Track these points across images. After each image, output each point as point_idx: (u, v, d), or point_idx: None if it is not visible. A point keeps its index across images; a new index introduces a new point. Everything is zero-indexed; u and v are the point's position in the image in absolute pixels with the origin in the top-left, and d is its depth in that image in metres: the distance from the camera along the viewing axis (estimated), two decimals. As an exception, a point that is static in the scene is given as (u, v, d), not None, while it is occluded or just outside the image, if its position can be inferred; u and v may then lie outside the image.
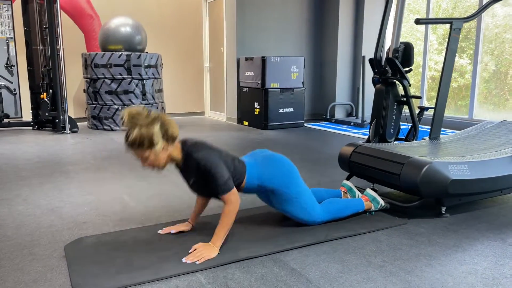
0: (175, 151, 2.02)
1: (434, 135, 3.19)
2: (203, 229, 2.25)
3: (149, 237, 2.15)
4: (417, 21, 3.14)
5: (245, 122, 6.58)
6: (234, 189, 2.00)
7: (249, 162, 2.20)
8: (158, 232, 2.21)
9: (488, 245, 2.08)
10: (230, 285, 1.70)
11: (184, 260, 1.88)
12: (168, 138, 1.96)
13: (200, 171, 1.99)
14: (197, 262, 1.86)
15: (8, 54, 5.80)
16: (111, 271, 1.79)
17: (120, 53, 5.79)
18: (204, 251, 1.93)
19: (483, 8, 3.23)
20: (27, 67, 5.84)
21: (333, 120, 6.85)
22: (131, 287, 1.68)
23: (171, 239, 2.13)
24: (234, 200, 1.98)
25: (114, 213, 2.56)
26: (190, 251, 1.96)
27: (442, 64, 3.17)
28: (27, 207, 2.66)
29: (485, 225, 2.35)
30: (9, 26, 5.79)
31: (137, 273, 1.77)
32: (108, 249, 2.01)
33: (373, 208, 2.47)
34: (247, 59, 6.34)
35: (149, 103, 6.06)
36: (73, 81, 6.81)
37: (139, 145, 1.90)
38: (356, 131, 5.93)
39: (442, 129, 5.47)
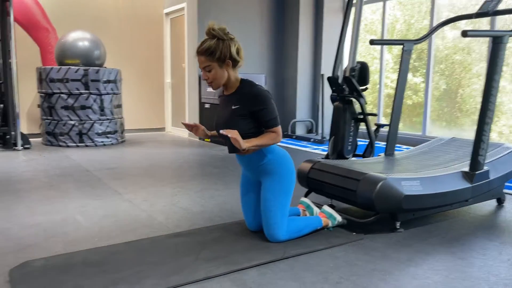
0: (235, 76, 2.23)
1: (389, 152, 3.29)
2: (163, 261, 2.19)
3: (101, 259, 2.06)
4: (372, 42, 3.26)
5: (206, 139, 6.53)
6: (280, 127, 2.22)
7: None
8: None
9: (440, 259, 2.14)
10: (185, 307, 1.65)
11: (221, 131, 2.09)
12: (236, 59, 2.17)
13: (254, 102, 2.15)
14: (230, 135, 2.06)
15: (-44, 67, 5.51)
16: (58, 296, 1.70)
17: (77, 67, 5.63)
18: (238, 136, 2.08)
19: (432, 31, 3.40)
20: (-23, 80, 5.57)
21: (294, 137, 6.94)
22: (80, 313, 1.60)
23: (124, 261, 2.05)
24: (280, 133, 2.21)
25: (65, 234, 2.45)
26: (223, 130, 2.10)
27: (396, 83, 3.30)
28: (-31, 230, 2.50)
29: (436, 239, 2.43)
30: (-43, 38, 5.51)
31: (86, 298, 1.69)
32: (57, 272, 1.91)
33: (330, 224, 2.50)
34: (208, 75, 6.33)
35: (108, 119, 5.90)
36: (27, 95, 6.54)
37: (211, 53, 2.12)
38: (316, 147, 6.02)
39: (397, 145, 5.65)
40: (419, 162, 3.03)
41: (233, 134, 2.08)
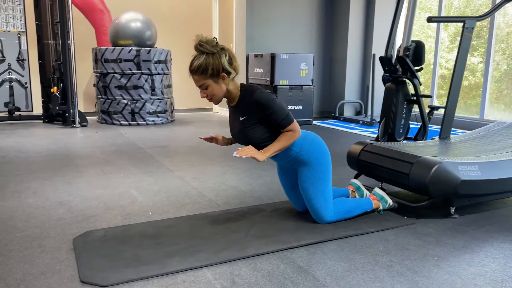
0: (234, 86, 2.12)
1: (444, 135, 3.16)
2: (216, 225, 2.26)
3: (156, 232, 2.16)
4: (429, 19, 3.11)
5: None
6: (295, 122, 2.11)
7: None
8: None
9: (498, 247, 2.06)
10: (237, 281, 1.70)
11: (234, 153, 1.98)
12: (231, 71, 2.06)
13: (257, 108, 2.06)
14: (243, 156, 1.98)
15: (20, 48, 5.85)
16: (118, 265, 1.80)
17: (130, 48, 5.81)
18: (254, 151, 2.02)
19: (496, 7, 3.19)
20: (38, 61, 5.89)
21: (342, 118, 6.82)
22: (138, 281, 1.69)
23: (178, 235, 2.13)
24: (297, 129, 2.11)
25: (122, 207, 2.58)
26: (237, 151, 2.01)
27: (454, 63, 3.14)
28: (36, 200, 2.68)
29: (494, 226, 2.33)
30: (20, 20, 5.84)
31: (144, 268, 1.78)
32: (116, 243, 2.02)
33: (381, 207, 2.46)
34: (256, 55, 6.33)
35: (158, 99, 6.07)
36: (83, 75, 6.85)
37: (203, 71, 2.01)
38: (364, 129, 5.90)
39: (452, 129, 5.42)
40: (478, 146, 2.90)
41: (246, 153, 2.00)
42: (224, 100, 2.30)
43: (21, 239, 2.08)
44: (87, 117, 6.00)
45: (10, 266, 1.80)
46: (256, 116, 2.08)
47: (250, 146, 2.06)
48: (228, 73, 2.06)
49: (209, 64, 2.00)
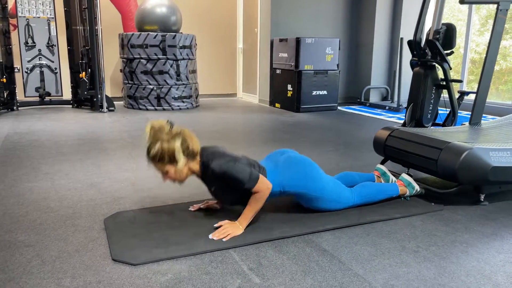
0: (195, 164, 2.05)
1: (475, 121, 3.08)
2: (231, 211, 2.29)
3: (183, 214, 2.20)
4: (462, 1, 3.00)
5: (277, 105, 6.56)
6: (261, 177, 1.99)
7: (269, 168, 2.15)
8: (189, 208, 2.26)
9: (529, 235, 2.01)
10: (263, 263, 1.73)
11: (210, 236, 1.92)
12: (189, 154, 2.00)
13: (219, 178, 2.00)
14: (223, 239, 1.91)
15: (49, 34, 5.98)
16: (148, 244, 1.86)
17: (155, 33, 5.85)
18: (230, 229, 1.96)
19: (534, -13, 3.05)
20: (67, 46, 6.01)
21: (368, 104, 6.72)
22: (167, 261, 1.74)
23: (204, 217, 2.17)
24: (264, 188, 1.99)
25: (149, 189, 2.64)
26: (215, 225, 2.01)
27: (487, 47, 3.04)
28: (68, 182, 2.78)
29: (526, 214, 2.27)
30: (50, 7, 5.95)
31: (172, 248, 1.83)
32: (145, 223, 2.08)
33: (408, 193, 2.43)
34: (281, 40, 6.28)
35: (183, 84, 6.12)
36: (110, 61, 6.96)
37: (160, 159, 1.97)
38: (391, 115, 5.80)
39: (483, 115, 5.26)
40: (509, 132, 2.81)
41: (224, 235, 1.92)
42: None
43: (55, 219, 2.16)
44: (114, 102, 6.12)
45: (46, 244, 1.88)
46: (222, 184, 2.04)
47: (224, 226, 1.98)
48: (187, 156, 2.00)
49: (164, 152, 1.95)
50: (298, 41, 5.90)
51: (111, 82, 7.07)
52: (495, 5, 3.00)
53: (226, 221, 2.03)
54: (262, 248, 1.86)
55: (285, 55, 6.18)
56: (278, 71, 6.42)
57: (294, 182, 2.12)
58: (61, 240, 1.92)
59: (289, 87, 6.18)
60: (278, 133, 4.49)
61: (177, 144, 1.96)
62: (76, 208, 2.32)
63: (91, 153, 3.52)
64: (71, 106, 6.22)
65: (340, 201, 2.22)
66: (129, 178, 2.87)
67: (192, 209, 2.25)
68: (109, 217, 2.16)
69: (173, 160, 1.97)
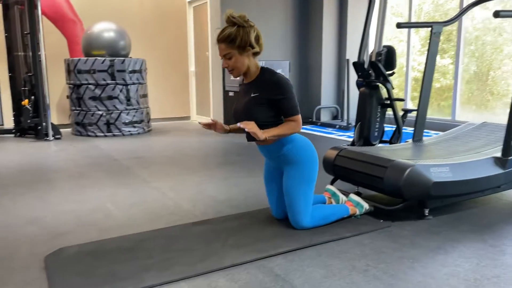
0: (255, 64, 2.22)
1: (417, 138, 3.23)
2: (198, 239, 2.23)
3: (132, 246, 2.12)
4: (398, 25, 3.17)
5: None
6: (300, 116, 2.18)
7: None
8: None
9: (470, 247, 2.10)
10: (214, 293, 1.69)
11: (238, 124, 2.06)
12: (256, 47, 2.16)
13: (274, 90, 2.13)
14: (246, 129, 2.04)
15: (-11, 61, 5.69)
16: (93, 282, 1.76)
17: (103, 58, 5.73)
18: (256, 128, 2.07)
19: (462, 12, 3.28)
20: (8, 73, 5.74)
21: (319, 123, 6.88)
22: (113, 298, 1.65)
23: (154, 248, 2.10)
24: (300, 123, 2.18)
25: (97, 221, 2.52)
26: (239, 124, 2.08)
27: (424, 67, 3.21)
28: (7, 218, 2.60)
29: (467, 226, 2.38)
30: (-11, 32, 5.69)
31: (119, 284, 1.74)
32: (90, 259, 1.98)
33: (358, 212, 2.48)
34: (232, 63, 6.32)
35: (134, 109, 6.00)
36: (56, 87, 6.72)
37: (231, 41, 2.10)
38: (341, 133, 5.96)
39: (425, 130, 5.51)
40: (449, 148, 2.96)
41: (250, 126, 2.06)
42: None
43: (-10, 260, 2.01)
44: (60, 130, 5.88)
45: (-22, 289, 1.74)
46: (269, 96, 2.15)
47: (253, 122, 2.10)
48: (254, 49, 2.15)
49: (238, 35, 2.09)
50: (248, 63, 5.97)
51: (58, 109, 6.81)
52: (430, 28, 3.18)
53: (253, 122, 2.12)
54: (212, 277, 1.81)
55: (237, 77, 6.22)
56: (230, 93, 6.45)
57: (304, 151, 2.24)
58: (-4, 283, 1.78)
59: (242, 109, 6.20)
60: (232, 155, 4.48)
61: (252, 34, 2.12)
62: (14, 247, 2.17)
63: (34, 185, 3.34)
64: (13, 135, 5.90)
65: (305, 208, 2.25)
66: (75, 210, 2.73)
67: (201, 123, 2.29)
68: (50, 255, 2.03)
69: (242, 46, 2.11)
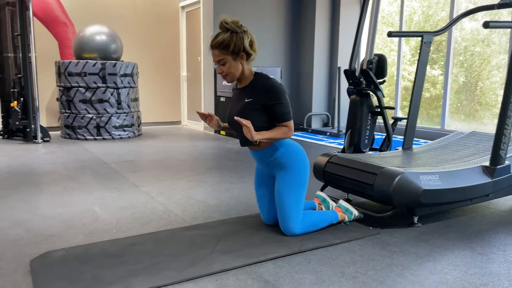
0: (249, 69, 2.23)
1: (407, 146, 3.25)
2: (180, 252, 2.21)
3: (120, 250, 2.09)
4: (389, 34, 3.21)
5: (222, 132, 6.56)
6: (292, 122, 2.20)
7: None
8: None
9: (459, 255, 2.11)
10: (202, 299, 1.67)
11: (235, 117, 2.06)
12: (251, 52, 2.17)
13: (263, 93, 2.15)
14: (244, 122, 2.05)
15: (-23, 61, 5.63)
16: (78, 286, 1.73)
17: (95, 61, 5.70)
18: (251, 127, 2.07)
19: (452, 22, 3.33)
20: (-3, 74, 5.68)
21: (310, 130, 6.91)
22: (99, 303, 1.63)
23: (142, 252, 2.08)
24: (292, 129, 2.19)
25: (84, 225, 2.49)
26: (235, 117, 2.08)
27: (414, 76, 3.24)
28: (-8, 220, 2.56)
29: (455, 234, 2.39)
30: (-22, 33, 5.62)
31: (106, 288, 1.72)
32: (76, 263, 1.95)
33: (347, 219, 2.48)
34: (224, 68, 6.33)
35: (125, 112, 5.97)
36: (46, 89, 6.65)
37: (225, 47, 2.11)
38: (332, 141, 5.99)
39: (415, 139, 5.55)
40: (438, 156, 2.99)
41: (246, 123, 2.08)
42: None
43: (-27, 263, 1.97)
44: (50, 132, 5.81)
45: (-39, 292, 1.70)
46: (262, 101, 2.16)
47: (249, 121, 2.10)
48: (248, 54, 2.17)
49: (231, 41, 2.10)
50: (240, 69, 5.98)
51: (47, 111, 6.74)
52: (420, 38, 3.22)
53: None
54: (202, 283, 1.79)
55: (231, 83, 6.23)
56: (222, 99, 6.45)
57: (297, 156, 2.25)
58: (-21, 287, 1.75)
59: (233, 114, 6.20)
60: (222, 160, 4.46)
61: (245, 39, 2.13)
62: (-1, 249, 2.13)
63: (21, 188, 3.29)
64: (1, 137, 5.82)
65: (297, 216, 2.25)
66: (62, 213, 2.70)
67: (199, 112, 2.29)
68: (36, 258, 2.00)
69: (236, 52, 2.12)
